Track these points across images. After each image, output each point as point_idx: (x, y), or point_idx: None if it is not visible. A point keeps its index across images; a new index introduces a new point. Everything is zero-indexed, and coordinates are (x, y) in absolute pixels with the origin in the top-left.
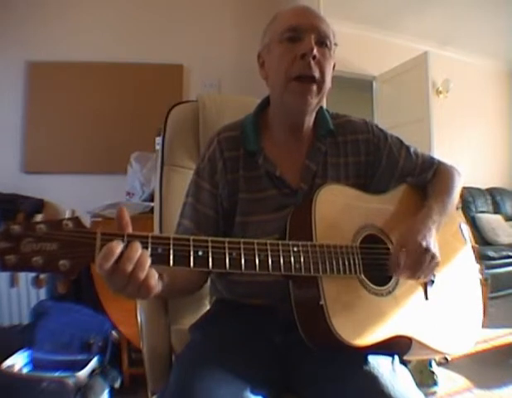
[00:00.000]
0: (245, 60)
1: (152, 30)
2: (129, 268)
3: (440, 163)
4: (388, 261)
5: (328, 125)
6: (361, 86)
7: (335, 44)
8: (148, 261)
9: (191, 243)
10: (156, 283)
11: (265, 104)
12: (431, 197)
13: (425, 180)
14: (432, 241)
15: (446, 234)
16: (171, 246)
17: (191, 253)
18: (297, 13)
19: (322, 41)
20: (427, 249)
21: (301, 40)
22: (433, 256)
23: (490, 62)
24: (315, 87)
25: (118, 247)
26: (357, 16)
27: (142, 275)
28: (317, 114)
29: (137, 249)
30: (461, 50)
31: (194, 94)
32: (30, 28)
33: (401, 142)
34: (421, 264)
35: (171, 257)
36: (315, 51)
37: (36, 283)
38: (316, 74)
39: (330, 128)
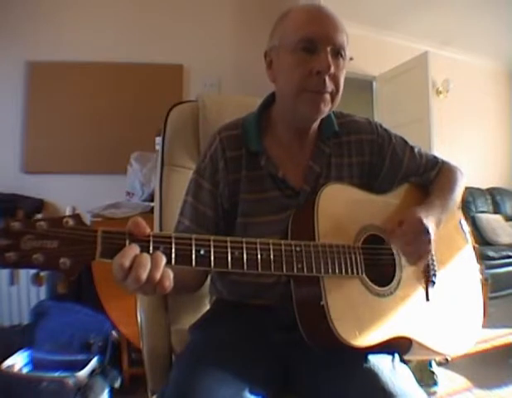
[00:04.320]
0: (245, 60)
1: (152, 30)
2: (146, 268)
3: (444, 163)
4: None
5: (333, 127)
6: (361, 86)
7: (351, 58)
8: (163, 260)
9: (193, 242)
10: (171, 282)
11: (268, 102)
12: (432, 194)
13: (428, 179)
14: (431, 228)
15: (448, 230)
16: (173, 245)
17: (193, 252)
18: (312, 20)
19: (338, 52)
20: (426, 229)
21: (317, 52)
22: (429, 240)
23: (490, 62)
24: (328, 96)
25: (136, 248)
26: (357, 16)
27: (158, 275)
28: None
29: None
30: (461, 50)
31: (194, 94)
32: (30, 28)
33: (405, 142)
34: (415, 237)
35: (173, 256)
36: (332, 70)
37: (36, 280)
38: (330, 89)
39: (336, 129)
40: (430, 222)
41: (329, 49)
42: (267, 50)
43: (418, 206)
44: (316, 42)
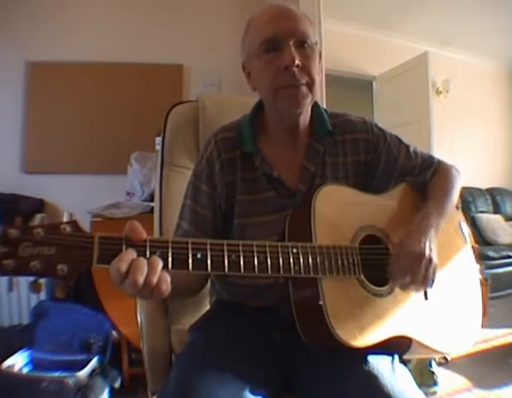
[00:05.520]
0: None
1: (152, 30)
2: (143, 272)
3: (439, 162)
4: (387, 264)
5: (326, 125)
6: (361, 86)
7: (316, 43)
8: (160, 265)
9: (190, 246)
10: (168, 286)
11: (262, 104)
12: (429, 200)
13: (424, 180)
14: (429, 245)
15: (447, 231)
16: (170, 249)
17: (190, 256)
18: (270, 20)
19: (302, 42)
20: (422, 255)
21: (281, 49)
22: (430, 260)
23: (490, 62)
24: (304, 88)
25: (133, 252)
26: (357, 17)
27: (155, 279)
28: (313, 112)
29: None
30: (461, 50)
31: (194, 94)
32: (30, 28)
33: (400, 141)
34: (415, 271)
35: (170, 260)
36: (297, 61)
37: (34, 287)
38: (304, 80)
39: (328, 128)
40: (425, 239)
41: (292, 42)
42: (243, 62)
43: (414, 222)
44: (277, 40)
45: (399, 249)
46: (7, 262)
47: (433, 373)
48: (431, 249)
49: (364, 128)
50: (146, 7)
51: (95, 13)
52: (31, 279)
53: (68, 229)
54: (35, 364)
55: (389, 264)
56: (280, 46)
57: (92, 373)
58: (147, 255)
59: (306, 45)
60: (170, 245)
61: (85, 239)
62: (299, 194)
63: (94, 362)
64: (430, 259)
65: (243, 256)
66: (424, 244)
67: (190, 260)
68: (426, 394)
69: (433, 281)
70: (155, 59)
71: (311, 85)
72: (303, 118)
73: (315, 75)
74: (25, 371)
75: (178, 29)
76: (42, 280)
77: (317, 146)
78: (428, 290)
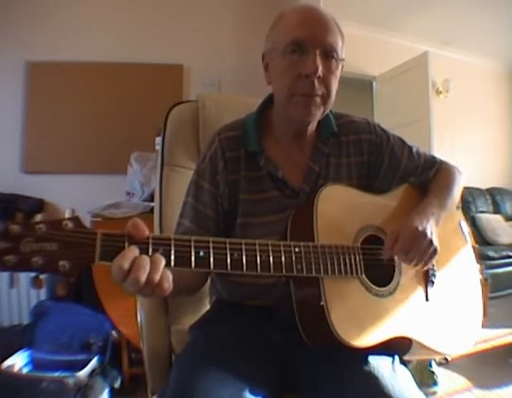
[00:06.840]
0: (245, 60)
1: (152, 30)
2: (145, 270)
3: (442, 162)
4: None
5: (332, 128)
6: (361, 86)
7: (342, 59)
8: (163, 262)
9: (192, 243)
10: (170, 284)
11: (268, 102)
12: (430, 192)
13: (427, 179)
14: (430, 228)
15: (447, 231)
16: (172, 247)
17: (192, 253)
18: (301, 22)
19: (329, 54)
20: (423, 233)
21: (306, 55)
22: (430, 241)
23: (490, 62)
24: (319, 100)
25: (135, 250)
26: (357, 16)
27: (157, 277)
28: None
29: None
30: (461, 50)
31: (194, 94)
32: (30, 28)
33: (403, 142)
34: (415, 246)
35: (172, 258)
36: (319, 72)
37: (35, 283)
38: (321, 92)
39: (334, 130)
40: (427, 224)
41: (318, 51)
42: (263, 53)
43: (415, 208)
44: (305, 45)
45: (399, 228)
46: (8, 257)
47: (433, 373)
48: (432, 233)
49: (367, 129)
50: (146, 6)
51: (95, 13)
52: (33, 274)
53: (70, 225)
54: (35, 364)
55: (385, 239)
56: (305, 52)
57: (92, 373)
58: (150, 253)
59: (332, 58)
60: (172, 242)
61: (88, 235)
62: (303, 194)
63: (94, 362)
64: (430, 240)
65: (246, 255)
66: (426, 226)
67: (192, 258)
68: (426, 394)
69: (433, 281)
70: (155, 59)
71: (326, 98)
72: (312, 125)
73: (332, 89)
74: (25, 371)
75: (178, 29)
76: (43, 277)
77: (322, 147)
78: (429, 291)
